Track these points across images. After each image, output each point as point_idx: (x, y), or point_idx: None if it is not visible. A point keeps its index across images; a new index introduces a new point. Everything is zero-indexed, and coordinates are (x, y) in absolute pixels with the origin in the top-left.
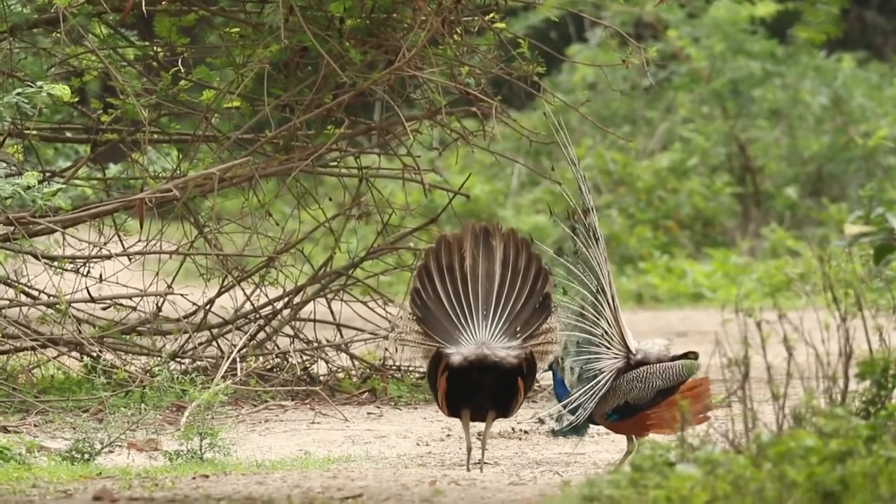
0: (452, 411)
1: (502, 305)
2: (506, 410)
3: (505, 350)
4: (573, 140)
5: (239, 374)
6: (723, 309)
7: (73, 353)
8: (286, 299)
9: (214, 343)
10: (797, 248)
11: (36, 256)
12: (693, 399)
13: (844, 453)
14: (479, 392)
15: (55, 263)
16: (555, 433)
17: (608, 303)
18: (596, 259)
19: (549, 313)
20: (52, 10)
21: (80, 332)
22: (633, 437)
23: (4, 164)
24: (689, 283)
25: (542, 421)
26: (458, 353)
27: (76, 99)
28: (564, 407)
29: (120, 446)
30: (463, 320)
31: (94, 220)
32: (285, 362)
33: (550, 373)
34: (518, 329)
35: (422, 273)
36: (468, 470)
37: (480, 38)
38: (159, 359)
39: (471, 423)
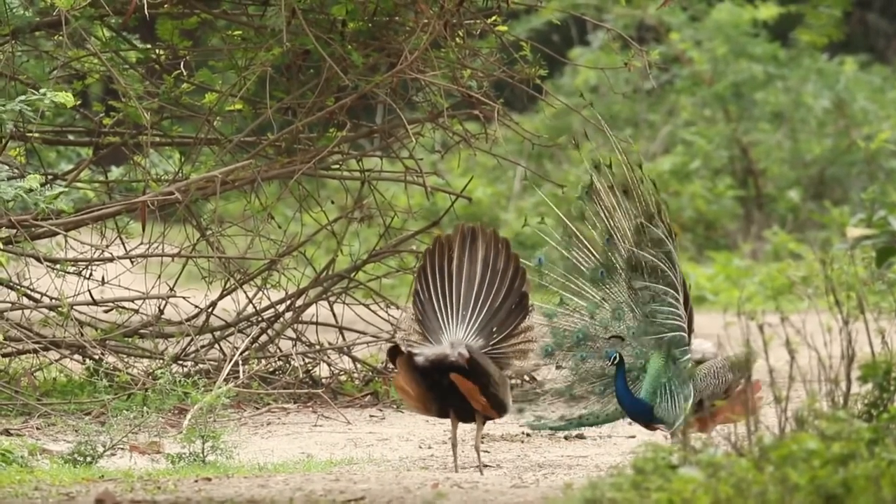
0: (441, 412)
1: (479, 305)
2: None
3: (461, 350)
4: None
5: (241, 376)
6: (725, 312)
7: (76, 356)
8: (288, 302)
9: (217, 346)
10: (799, 251)
11: (38, 259)
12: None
13: (847, 456)
14: (449, 393)
15: (57, 266)
16: (673, 434)
17: (683, 301)
18: (676, 256)
19: (527, 313)
20: (55, 13)
21: (82, 334)
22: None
23: (7, 167)
24: (691, 285)
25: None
26: (422, 353)
27: (78, 102)
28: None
29: (122, 449)
30: (445, 320)
31: (97, 222)
32: (287, 365)
33: (615, 371)
34: (494, 329)
35: (420, 274)
36: (455, 471)
37: (482, 41)
38: (161, 361)
39: (460, 424)
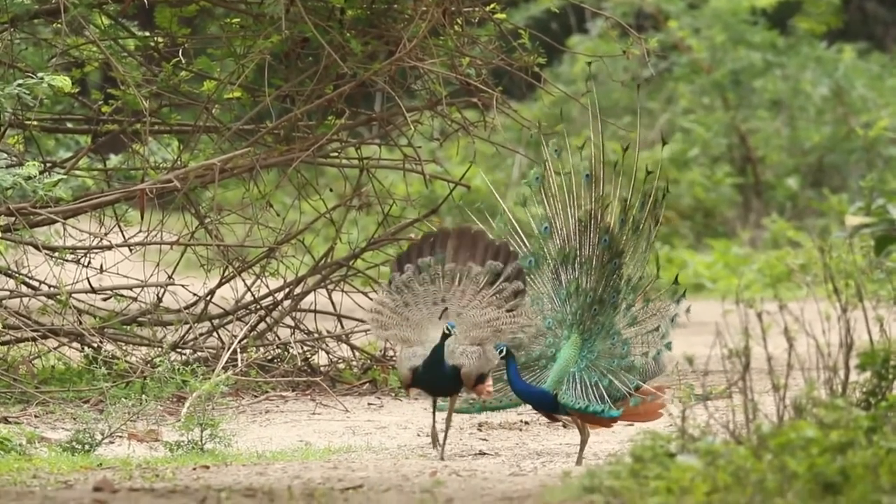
0: None
1: None
2: None
3: None
4: (573, 130)
5: (240, 364)
6: (723, 300)
7: (74, 344)
8: (287, 290)
9: (215, 334)
10: (798, 239)
11: (37, 247)
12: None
13: (845, 444)
14: None
15: (56, 254)
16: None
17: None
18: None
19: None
20: (53, 1)
21: (80, 322)
22: (590, 427)
23: (5, 155)
24: (689, 273)
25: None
26: None
27: (77, 90)
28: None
29: (121, 437)
30: None
31: (95, 210)
32: (286, 353)
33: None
34: None
35: None
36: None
37: (481, 29)
38: (160, 349)
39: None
